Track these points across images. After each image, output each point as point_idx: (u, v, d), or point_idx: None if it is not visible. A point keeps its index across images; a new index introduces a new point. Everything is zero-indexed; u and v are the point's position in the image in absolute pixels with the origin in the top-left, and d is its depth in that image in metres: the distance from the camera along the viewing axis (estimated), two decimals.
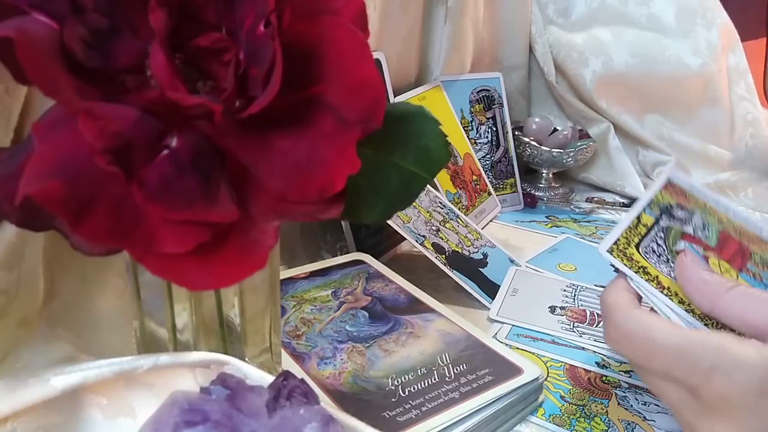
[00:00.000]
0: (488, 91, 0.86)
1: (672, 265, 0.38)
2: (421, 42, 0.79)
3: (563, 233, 0.77)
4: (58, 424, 0.25)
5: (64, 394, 0.25)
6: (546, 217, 0.84)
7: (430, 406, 0.38)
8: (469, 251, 0.62)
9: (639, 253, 0.38)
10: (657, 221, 0.39)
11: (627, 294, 0.36)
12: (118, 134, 0.21)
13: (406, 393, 0.40)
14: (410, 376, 0.41)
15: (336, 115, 0.23)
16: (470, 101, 0.84)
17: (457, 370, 0.42)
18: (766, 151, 0.95)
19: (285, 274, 0.55)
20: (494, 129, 0.86)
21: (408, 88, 0.77)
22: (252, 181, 0.23)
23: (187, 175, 0.22)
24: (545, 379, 0.46)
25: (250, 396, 0.24)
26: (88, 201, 0.21)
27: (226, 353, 0.28)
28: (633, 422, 0.42)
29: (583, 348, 0.50)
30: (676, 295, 0.36)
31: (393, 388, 0.40)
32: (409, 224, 0.59)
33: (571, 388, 0.46)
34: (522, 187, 0.88)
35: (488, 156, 0.85)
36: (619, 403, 0.44)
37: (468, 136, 0.82)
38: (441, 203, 0.66)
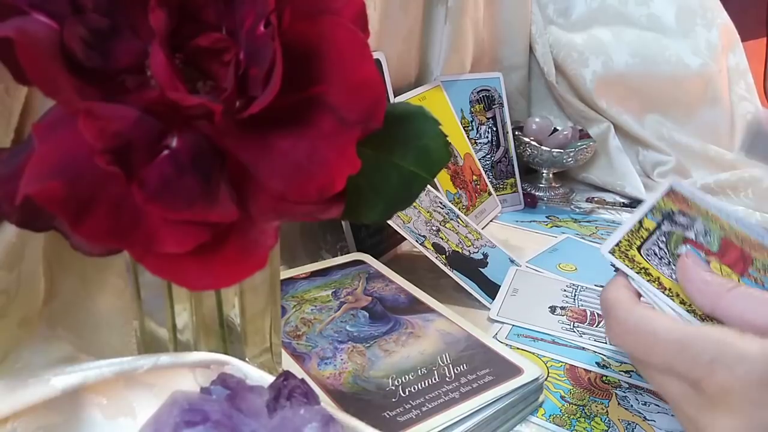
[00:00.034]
0: (488, 91, 0.86)
1: (673, 267, 0.38)
2: (421, 42, 0.79)
3: (563, 233, 0.77)
4: (58, 424, 0.25)
5: (64, 394, 0.25)
6: (546, 217, 0.84)
7: (430, 406, 0.38)
8: (469, 251, 0.62)
9: (641, 255, 0.38)
10: (659, 226, 0.39)
11: (627, 291, 0.37)
12: (118, 134, 0.21)
13: (407, 393, 0.40)
14: (410, 376, 0.41)
15: (336, 115, 0.23)
16: (470, 101, 0.84)
17: (457, 370, 0.42)
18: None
19: (285, 274, 0.55)
20: (494, 129, 0.86)
21: (408, 88, 0.77)
22: (252, 181, 0.23)
23: (187, 175, 0.22)
24: (545, 379, 0.46)
25: (251, 396, 0.24)
26: (88, 201, 0.21)
27: (226, 353, 0.28)
28: (633, 422, 0.42)
29: (584, 348, 0.50)
30: (678, 295, 0.36)
31: (393, 388, 0.40)
32: (410, 224, 0.59)
33: (572, 388, 0.46)
34: (522, 187, 0.88)
35: (488, 156, 0.85)
36: (619, 403, 0.44)
37: (468, 136, 0.82)
38: (441, 203, 0.66)
